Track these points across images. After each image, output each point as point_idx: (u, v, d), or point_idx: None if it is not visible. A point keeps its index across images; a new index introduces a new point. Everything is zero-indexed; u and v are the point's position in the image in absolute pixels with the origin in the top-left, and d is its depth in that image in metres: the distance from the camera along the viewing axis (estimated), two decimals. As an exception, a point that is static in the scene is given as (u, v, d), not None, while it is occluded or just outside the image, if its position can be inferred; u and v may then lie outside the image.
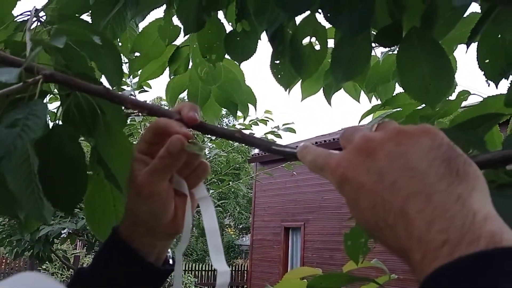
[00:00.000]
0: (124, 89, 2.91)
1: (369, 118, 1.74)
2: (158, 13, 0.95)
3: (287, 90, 1.04)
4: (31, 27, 0.74)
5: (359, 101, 1.57)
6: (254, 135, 0.60)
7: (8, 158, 0.50)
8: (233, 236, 21.24)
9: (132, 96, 0.78)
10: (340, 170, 0.40)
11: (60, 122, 0.71)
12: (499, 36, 1.03)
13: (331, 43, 1.07)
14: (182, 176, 0.59)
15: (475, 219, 0.32)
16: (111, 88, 0.63)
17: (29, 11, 0.82)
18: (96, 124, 0.72)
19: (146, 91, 3.32)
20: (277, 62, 1.00)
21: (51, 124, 0.67)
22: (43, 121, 0.54)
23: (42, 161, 0.62)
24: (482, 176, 0.36)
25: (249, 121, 4.27)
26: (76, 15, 0.96)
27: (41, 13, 0.84)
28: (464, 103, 1.33)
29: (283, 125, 4.44)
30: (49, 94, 0.73)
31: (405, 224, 0.34)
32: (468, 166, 0.35)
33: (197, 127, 0.58)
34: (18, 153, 0.50)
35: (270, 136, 4.39)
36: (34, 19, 0.80)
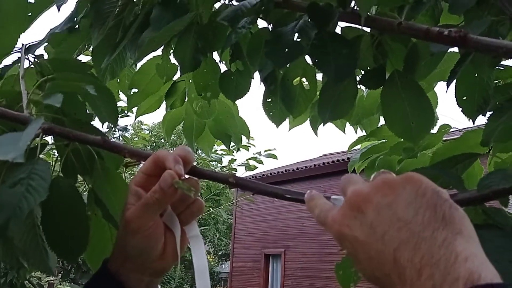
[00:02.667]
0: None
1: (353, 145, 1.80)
2: (156, 51, 1.00)
3: (279, 126, 1.09)
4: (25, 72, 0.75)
5: (344, 132, 1.62)
6: (248, 178, 0.62)
7: (14, 220, 0.50)
8: (212, 263, 20.90)
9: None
10: (336, 226, 0.43)
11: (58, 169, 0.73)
12: (476, 75, 1.09)
13: (320, 76, 1.12)
14: (176, 212, 0.59)
15: (457, 260, 0.34)
16: (107, 136, 0.66)
17: (20, 49, 0.84)
18: (93, 167, 0.74)
19: (128, 115, 3.32)
20: (269, 100, 1.05)
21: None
22: (47, 183, 0.54)
23: (44, 213, 0.64)
24: (468, 219, 0.38)
25: (231, 147, 4.28)
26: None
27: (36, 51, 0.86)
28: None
29: (265, 151, 4.46)
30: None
31: (398, 273, 0.37)
32: (454, 210, 0.38)
33: (190, 172, 0.59)
34: (24, 215, 0.51)
35: (252, 162, 4.39)
36: (26, 62, 0.82)
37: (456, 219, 0.37)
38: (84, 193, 0.83)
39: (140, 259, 0.57)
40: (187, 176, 0.58)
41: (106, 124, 0.81)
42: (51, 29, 0.91)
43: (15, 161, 0.47)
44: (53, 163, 0.77)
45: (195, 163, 0.60)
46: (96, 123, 0.79)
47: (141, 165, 0.62)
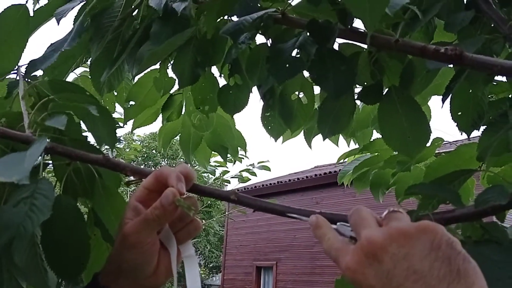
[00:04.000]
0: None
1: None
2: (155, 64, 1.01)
3: (277, 140, 1.10)
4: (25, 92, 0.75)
5: (337, 145, 1.63)
6: (247, 195, 0.63)
7: (18, 239, 0.50)
8: (203, 275, 20.72)
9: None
10: (350, 273, 0.43)
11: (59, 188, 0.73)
12: (470, 91, 1.11)
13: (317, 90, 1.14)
14: (173, 230, 0.59)
15: None
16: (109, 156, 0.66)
17: (16, 71, 0.83)
18: (94, 186, 0.74)
19: (121, 127, 3.30)
20: (268, 114, 1.06)
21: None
22: (51, 201, 0.55)
23: (45, 231, 0.64)
24: (479, 270, 0.40)
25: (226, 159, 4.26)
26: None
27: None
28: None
29: (258, 163, 4.45)
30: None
31: None
32: (468, 263, 0.40)
33: (192, 189, 0.60)
34: (28, 234, 0.51)
35: (245, 174, 4.38)
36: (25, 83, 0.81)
37: (469, 272, 0.39)
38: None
39: (133, 274, 0.57)
40: (187, 194, 0.59)
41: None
42: (51, 45, 0.91)
43: (20, 183, 0.47)
44: (54, 183, 0.77)
45: None
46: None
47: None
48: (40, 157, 0.63)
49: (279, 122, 1.06)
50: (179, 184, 0.55)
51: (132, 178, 0.66)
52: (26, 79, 0.80)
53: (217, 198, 0.65)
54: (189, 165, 0.62)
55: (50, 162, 0.76)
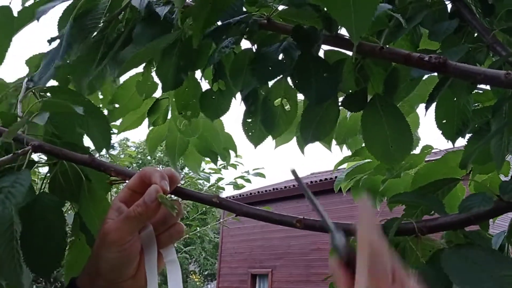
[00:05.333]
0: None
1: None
2: (138, 67, 1.00)
3: (256, 147, 1.09)
4: (24, 97, 0.76)
5: (330, 151, 1.62)
6: (230, 198, 0.63)
7: None
8: (197, 283, 20.57)
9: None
10: None
11: (46, 189, 0.73)
12: (455, 99, 1.11)
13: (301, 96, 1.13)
14: (156, 232, 0.58)
15: None
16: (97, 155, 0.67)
17: (22, 81, 0.85)
18: (81, 189, 0.74)
19: (114, 133, 3.30)
20: (249, 120, 1.06)
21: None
22: (25, 189, 0.56)
23: (25, 226, 0.63)
24: None
25: (219, 165, 4.26)
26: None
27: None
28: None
29: (253, 170, 4.43)
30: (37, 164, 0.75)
31: None
32: None
33: (174, 192, 0.60)
34: (2, 220, 0.52)
35: (239, 181, 4.36)
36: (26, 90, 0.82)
37: None
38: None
39: (112, 275, 0.56)
40: (173, 197, 0.59)
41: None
42: (46, 55, 0.90)
43: None
44: (41, 182, 0.76)
45: (182, 182, 0.60)
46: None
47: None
48: (25, 155, 0.64)
49: (260, 128, 1.05)
50: (163, 182, 0.55)
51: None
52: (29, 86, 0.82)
53: (199, 202, 0.66)
54: (181, 171, 0.61)
55: (37, 160, 0.76)
